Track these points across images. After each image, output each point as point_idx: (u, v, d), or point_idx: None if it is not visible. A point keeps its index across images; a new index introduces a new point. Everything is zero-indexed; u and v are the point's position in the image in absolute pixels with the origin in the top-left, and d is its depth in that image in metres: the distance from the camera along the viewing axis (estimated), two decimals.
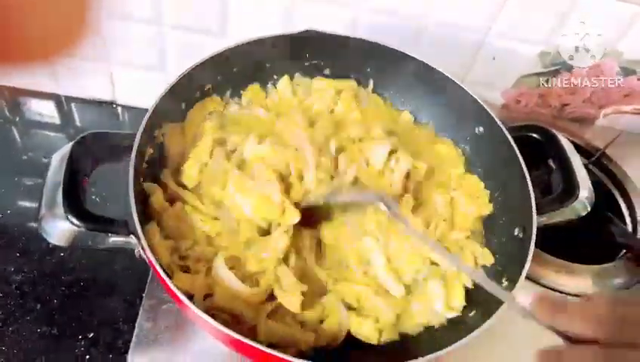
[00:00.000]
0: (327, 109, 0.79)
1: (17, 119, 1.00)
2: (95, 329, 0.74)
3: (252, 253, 0.62)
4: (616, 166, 0.96)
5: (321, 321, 0.63)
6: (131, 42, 0.91)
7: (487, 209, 0.74)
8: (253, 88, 0.80)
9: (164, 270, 0.53)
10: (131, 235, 0.55)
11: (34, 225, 0.83)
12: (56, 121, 1.01)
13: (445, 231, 0.70)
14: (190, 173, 0.67)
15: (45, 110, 1.01)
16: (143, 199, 0.64)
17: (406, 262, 0.66)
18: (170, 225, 0.63)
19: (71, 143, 0.57)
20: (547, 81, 0.94)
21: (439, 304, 0.65)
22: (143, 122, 0.60)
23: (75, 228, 0.53)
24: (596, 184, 0.71)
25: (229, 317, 0.58)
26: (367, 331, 0.62)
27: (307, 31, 0.75)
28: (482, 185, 0.76)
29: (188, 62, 0.92)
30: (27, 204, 0.86)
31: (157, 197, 0.64)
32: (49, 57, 0.94)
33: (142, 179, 0.62)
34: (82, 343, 0.73)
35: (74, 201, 0.54)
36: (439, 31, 0.87)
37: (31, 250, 0.80)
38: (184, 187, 0.68)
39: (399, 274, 0.66)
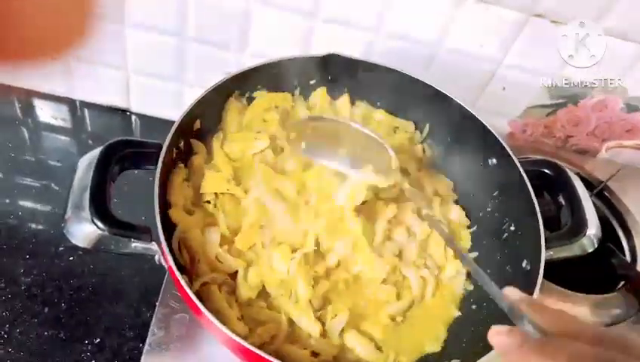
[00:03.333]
0: None
1: (30, 121, 1.00)
2: (101, 334, 0.74)
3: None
4: (617, 198, 0.98)
5: None
6: (152, 52, 0.92)
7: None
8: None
9: (183, 277, 0.54)
10: (153, 242, 0.56)
11: (43, 227, 0.84)
12: (69, 125, 1.02)
13: None
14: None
15: (58, 114, 1.02)
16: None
17: None
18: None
19: (99, 148, 0.59)
20: (553, 113, 0.97)
21: None
22: (170, 133, 0.62)
23: (100, 231, 0.54)
24: (597, 216, 0.73)
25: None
26: None
27: (330, 54, 0.77)
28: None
29: (205, 75, 0.94)
30: (38, 206, 0.87)
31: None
32: (44, 58, 0.96)
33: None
34: (88, 348, 0.73)
35: (100, 205, 0.55)
36: (452, 58, 0.90)
37: (40, 252, 0.81)
38: None
39: None
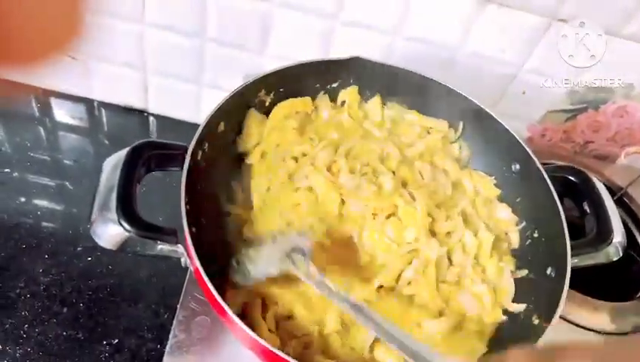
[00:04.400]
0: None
1: (47, 121, 1.01)
2: (120, 335, 0.74)
3: None
4: (637, 205, 0.97)
5: None
6: (170, 52, 0.92)
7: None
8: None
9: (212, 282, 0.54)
10: (179, 244, 0.56)
11: (62, 227, 0.84)
12: (86, 125, 1.02)
13: None
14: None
15: (76, 113, 1.02)
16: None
17: None
18: None
19: (126, 149, 0.58)
20: (573, 118, 0.96)
21: None
22: (196, 135, 0.61)
23: (127, 233, 0.53)
24: None
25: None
26: None
27: (355, 57, 0.76)
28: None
29: (223, 77, 0.95)
30: (56, 206, 0.87)
31: None
32: (62, 58, 0.96)
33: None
34: (107, 349, 0.73)
35: (127, 207, 0.54)
36: (472, 62, 0.89)
37: (59, 252, 0.81)
38: None
39: None
